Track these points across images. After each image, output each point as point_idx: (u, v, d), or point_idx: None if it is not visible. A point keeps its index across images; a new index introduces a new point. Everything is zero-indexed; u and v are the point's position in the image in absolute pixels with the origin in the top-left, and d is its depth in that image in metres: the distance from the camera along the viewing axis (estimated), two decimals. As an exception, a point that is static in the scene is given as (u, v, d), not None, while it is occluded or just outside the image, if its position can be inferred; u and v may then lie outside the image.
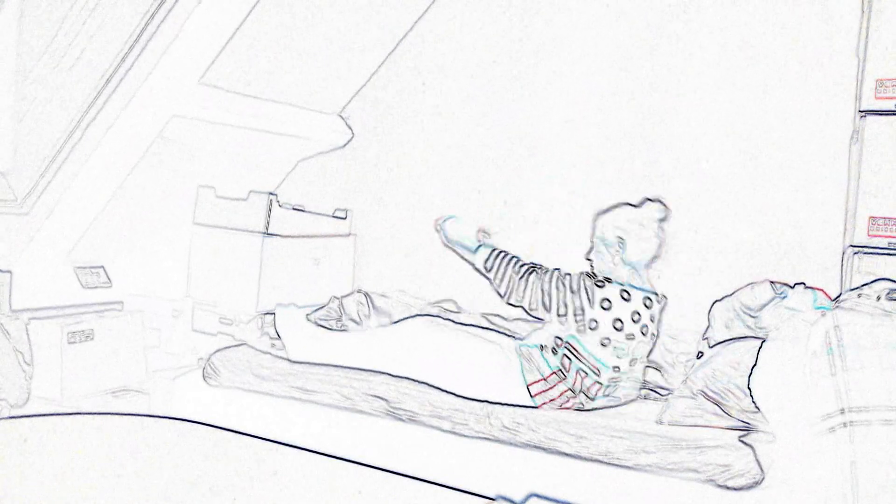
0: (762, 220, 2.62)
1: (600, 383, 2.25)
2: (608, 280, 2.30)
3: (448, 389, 2.27)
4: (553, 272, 2.33)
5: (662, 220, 2.34)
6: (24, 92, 2.67)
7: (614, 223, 2.34)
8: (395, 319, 2.71)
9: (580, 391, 2.26)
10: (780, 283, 2.29)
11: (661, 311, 2.38)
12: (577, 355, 2.26)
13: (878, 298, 1.97)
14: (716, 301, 2.36)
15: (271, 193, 2.98)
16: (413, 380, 2.31)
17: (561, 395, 2.26)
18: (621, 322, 2.25)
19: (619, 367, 2.26)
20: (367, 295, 2.81)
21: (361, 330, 2.68)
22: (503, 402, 2.22)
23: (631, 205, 2.36)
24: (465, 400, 2.22)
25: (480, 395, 2.25)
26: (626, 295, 2.27)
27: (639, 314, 2.28)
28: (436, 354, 2.36)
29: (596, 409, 2.27)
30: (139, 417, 2.56)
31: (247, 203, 2.97)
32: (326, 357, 2.45)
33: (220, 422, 2.44)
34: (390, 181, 3.25)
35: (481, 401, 2.21)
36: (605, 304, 2.26)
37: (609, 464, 1.98)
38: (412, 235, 3.18)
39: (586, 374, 2.25)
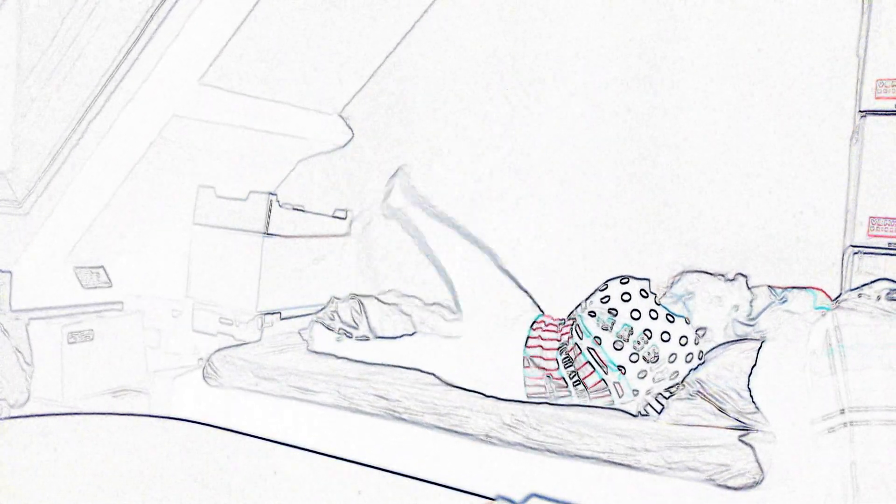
0: (762, 220, 2.61)
1: (604, 381, 2.24)
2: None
3: (450, 382, 2.28)
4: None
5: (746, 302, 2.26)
6: (25, 92, 2.67)
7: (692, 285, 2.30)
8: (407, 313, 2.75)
9: (575, 382, 2.25)
10: (779, 287, 2.29)
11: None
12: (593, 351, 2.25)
13: (878, 298, 1.97)
14: (715, 301, 2.35)
15: (271, 193, 2.97)
16: (418, 370, 2.33)
17: (549, 375, 2.26)
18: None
19: (624, 368, 2.24)
20: (360, 301, 2.80)
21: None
22: (501, 396, 2.22)
23: (722, 275, 2.32)
24: (467, 394, 2.22)
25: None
26: (653, 314, 2.22)
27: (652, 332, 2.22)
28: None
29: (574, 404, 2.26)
30: (139, 417, 2.56)
31: (247, 203, 2.97)
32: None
33: (220, 422, 2.44)
34: (390, 181, 3.24)
35: (482, 394, 2.21)
36: (635, 314, 2.22)
37: (609, 463, 1.98)
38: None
39: (593, 368, 2.23)
